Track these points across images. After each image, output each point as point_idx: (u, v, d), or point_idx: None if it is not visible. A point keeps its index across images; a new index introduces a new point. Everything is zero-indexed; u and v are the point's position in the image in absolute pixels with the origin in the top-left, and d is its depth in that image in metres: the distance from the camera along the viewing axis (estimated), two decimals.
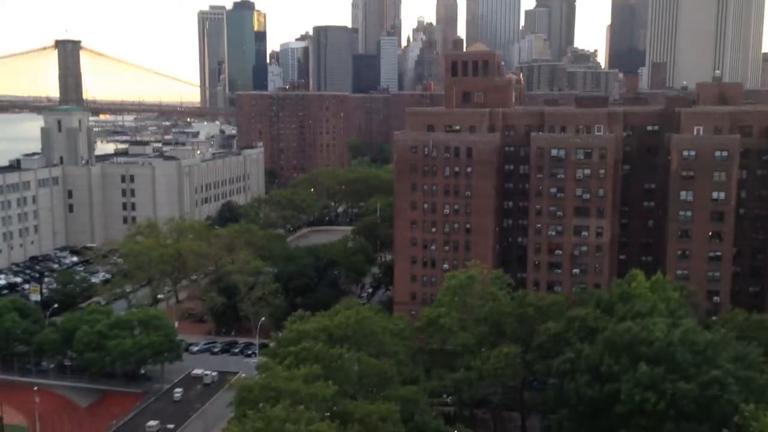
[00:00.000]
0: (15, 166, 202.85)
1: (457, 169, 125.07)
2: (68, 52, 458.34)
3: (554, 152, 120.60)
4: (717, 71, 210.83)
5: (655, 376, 64.79)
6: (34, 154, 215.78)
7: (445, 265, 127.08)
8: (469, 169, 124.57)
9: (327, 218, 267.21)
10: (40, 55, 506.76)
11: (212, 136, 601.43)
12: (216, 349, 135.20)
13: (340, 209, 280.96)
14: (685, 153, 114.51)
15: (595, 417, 69.66)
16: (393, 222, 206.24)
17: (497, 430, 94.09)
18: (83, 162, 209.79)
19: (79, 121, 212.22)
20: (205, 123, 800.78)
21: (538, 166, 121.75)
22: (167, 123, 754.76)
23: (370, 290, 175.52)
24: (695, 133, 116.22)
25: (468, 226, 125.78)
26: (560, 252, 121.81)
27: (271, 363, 76.53)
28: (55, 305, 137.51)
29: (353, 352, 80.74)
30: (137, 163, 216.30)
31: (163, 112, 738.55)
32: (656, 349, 67.24)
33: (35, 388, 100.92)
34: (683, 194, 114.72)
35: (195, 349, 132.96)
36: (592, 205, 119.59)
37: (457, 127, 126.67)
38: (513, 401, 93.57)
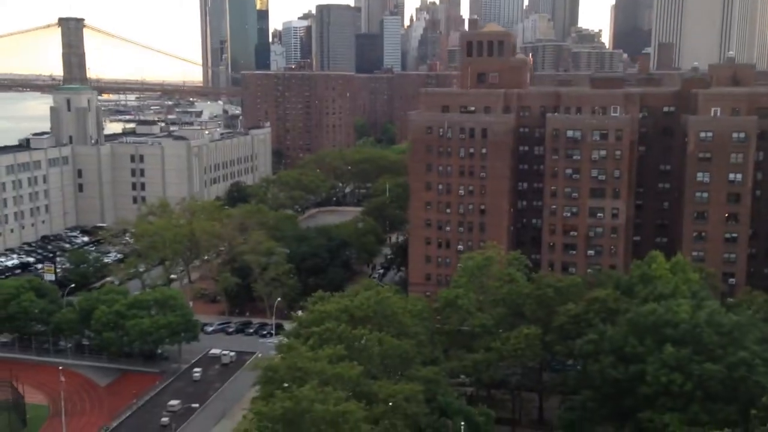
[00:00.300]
0: (25, 145, 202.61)
1: (472, 150, 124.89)
2: (71, 30, 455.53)
3: (570, 133, 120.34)
4: (730, 52, 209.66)
5: (682, 357, 65.22)
6: (43, 133, 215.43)
7: (460, 246, 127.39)
8: (484, 150, 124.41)
9: (334, 199, 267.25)
10: (44, 33, 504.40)
11: (216, 116, 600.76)
12: (230, 330, 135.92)
13: (347, 190, 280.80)
14: (702, 134, 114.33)
15: (620, 398, 70.19)
16: (402, 203, 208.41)
17: (516, 410, 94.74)
18: (92, 141, 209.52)
19: (88, 101, 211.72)
20: (208, 102, 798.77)
21: (553, 148, 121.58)
22: (170, 102, 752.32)
23: (381, 271, 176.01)
24: (712, 114, 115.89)
25: (483, 207, 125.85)
26: (575, 233, 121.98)
27: (296, 343, 76.92)
28: (72, 285, 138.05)
29: (376, 333, 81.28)
30: (147, 142, 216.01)
31: (166, 91, 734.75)
32: (682, 330, 67.60)
33: (60, 368, 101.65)
34: (700, 176, 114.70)
35: (209, 329, 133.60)
36: (608, 186, 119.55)
37: (472, 108, 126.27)
38: (532, 382, 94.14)
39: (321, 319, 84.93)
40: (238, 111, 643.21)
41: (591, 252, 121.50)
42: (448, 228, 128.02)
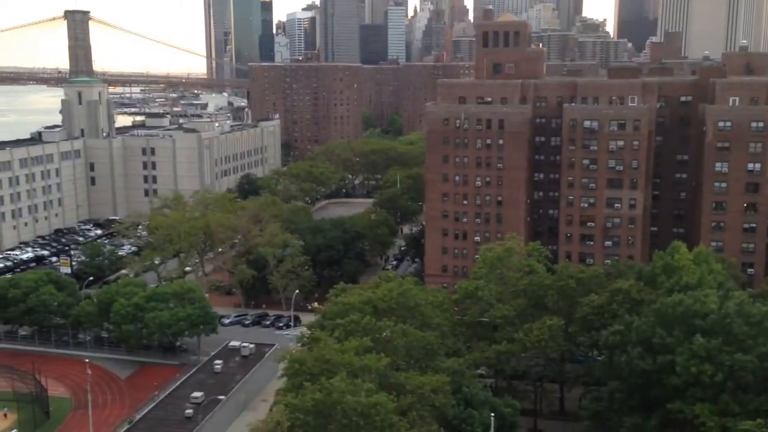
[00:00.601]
0: (37, 138, 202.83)
1: (488, 141, 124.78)
2: (77, 22, 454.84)
3: (587, 124, 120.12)
4: (743, 41, 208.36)
5: (712, 348, 65.23)
6: (55, 126, 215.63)
7: (477, 238, 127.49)
8: (501, 141, 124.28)
9: (344, 190, 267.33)
10: (49, 26, 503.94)
11: (221, 108, 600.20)
12: (247, 322, 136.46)
13: (357, 181, 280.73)
14: (721, 124, 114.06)
15: (647, 388, 70.27)
16: (413, 194, 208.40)
17: (538, 401, 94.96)
18: (104, 134, 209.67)
19: (99, 93, 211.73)
20: (213, 95, 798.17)
21: (570, 138, 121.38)
22: (174, 95, 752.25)
23: (394, 263, 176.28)
24: (731, 104, 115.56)
25: (499, 198, 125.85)
26: (592, 224, 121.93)
27: (323, 335, 77.10)
28: (91, 278, 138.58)
29: (400, 325, 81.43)
30: (158, 135, 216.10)
31: (171, 83, 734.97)
32: (711, 321, 67.56)
33: (86, 361, 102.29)
34: (718, 165, 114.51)
35: (226, 321, 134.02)
36: (625, 176, 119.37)
37: (489, 99, 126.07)
38: (553, 373, 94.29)
39: (345, 311, 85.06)
40: (243, 103, 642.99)
41: (608, 243, 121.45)
42: (464, 219, 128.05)
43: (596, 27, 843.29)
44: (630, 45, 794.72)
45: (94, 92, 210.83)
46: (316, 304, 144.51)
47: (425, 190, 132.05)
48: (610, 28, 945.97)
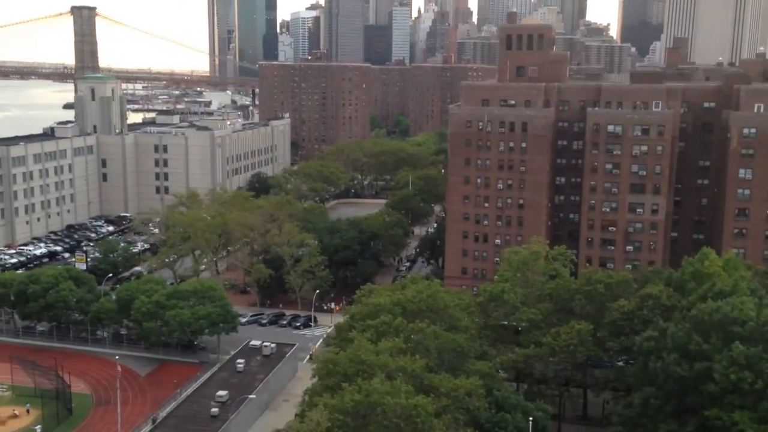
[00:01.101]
0: (49, 134, 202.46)
1: (511, 143, 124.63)
2: (84, 18, 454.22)
3: (611, 128, 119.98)
4: (761, 48, 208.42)
5: (752, 355, 65.11)
6: (67, 122, 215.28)
7: (497, 241, 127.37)
8: (523, 144, 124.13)
9: (352, 191, 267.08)
10: (55, 22, 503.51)
11: (225, 106, 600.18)
12: (264, 321, 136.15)
13: (366, 182, 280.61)
14: (746, 131, 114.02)
15: (684, 395, 70.12)
16: (425, 195, 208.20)
17: (562, 405, 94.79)
18: (116, 131, 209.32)
19: (112, 90, 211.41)
20: (216, 92, 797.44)
21: (593, 142, 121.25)
22: (177, 92, 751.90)
23: (407, 264, 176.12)
24: (755, 110, 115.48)
25: (521, 201, 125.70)
26: (614, 229, 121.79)
27: (358, 336, 76.84)
28: (110, 275, 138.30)
29: (432, 327, 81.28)
30: (170, 132, 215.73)
31: (174, 80, 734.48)
32: (750, 328, 67.48)
33: (116, 357, 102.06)
34: (742, 172, 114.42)
35: (243, 320, 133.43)
36: (648, 182, 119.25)
37: (512, 102, 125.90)
38: (579, 377, 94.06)
39: (375, 312, 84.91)
40: (247, 101, 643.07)
41: (629, 248, 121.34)
42: (485, 222, 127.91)
43: (600, 31, 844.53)
44: (633, 50, 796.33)
45: (107, 89, 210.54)
46: (332, 305, 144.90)
47: (447, 192, 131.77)
48: (614, 32, 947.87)
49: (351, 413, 65.06)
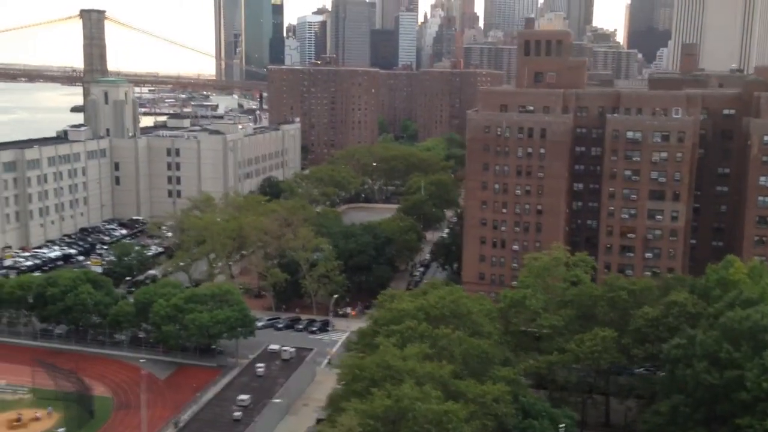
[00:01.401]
0: (63, 137, 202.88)
1: (530, 149, 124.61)
2: (93, 21, 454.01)
3: (630, 134, 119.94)
4: None
5: None
6: (80, 125, 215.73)
7: (515, 246, 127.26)
8: (542, 150, 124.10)
9: (363, 195, 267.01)
10: (63, 25, 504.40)
11: (231, 110, 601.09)
12: (280, 325, 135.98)
13: (376, 186, 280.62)
14: (767, 138, 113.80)
15: (714, 403, 69.90)
16: (437, 201, 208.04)
17: (585, 412, 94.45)
18: (129, 134, 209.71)
19: (125, 94, 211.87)
20: (223, 96, 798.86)
21: (612, 149, 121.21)
22: (183, 96, 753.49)
23: (421, 269, 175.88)
24: None
25: (539, 207, 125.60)
26: (633, 235, 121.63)
27: (384, 341, 76.72)
28: (128, 278, 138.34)
29: (458, 332, 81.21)
30: (183, 136, 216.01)
31: (181, 84, 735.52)
32: None
33: (141, 361, 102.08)
34: (763, 179, 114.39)
35: (259, 324, 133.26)
36: (668, 188, 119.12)
37: (531, 108, 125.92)
38: (603, 385, 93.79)
39: (400, 317, 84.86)
40: (254, 105, 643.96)
41: (648, 254, 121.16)
42: (503, 227, 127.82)
43: (607, 37, 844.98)
44: (640, 56, 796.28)
45: (120, 92, 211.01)
46: (348, 309, 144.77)
47: (464, 197, 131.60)
48: (620, 38, 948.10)
49: (381, 418, 64.95)
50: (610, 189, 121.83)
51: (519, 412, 76.97)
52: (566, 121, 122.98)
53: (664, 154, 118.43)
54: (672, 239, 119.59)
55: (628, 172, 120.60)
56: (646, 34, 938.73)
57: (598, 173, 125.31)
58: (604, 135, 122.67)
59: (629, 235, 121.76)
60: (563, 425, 72.77)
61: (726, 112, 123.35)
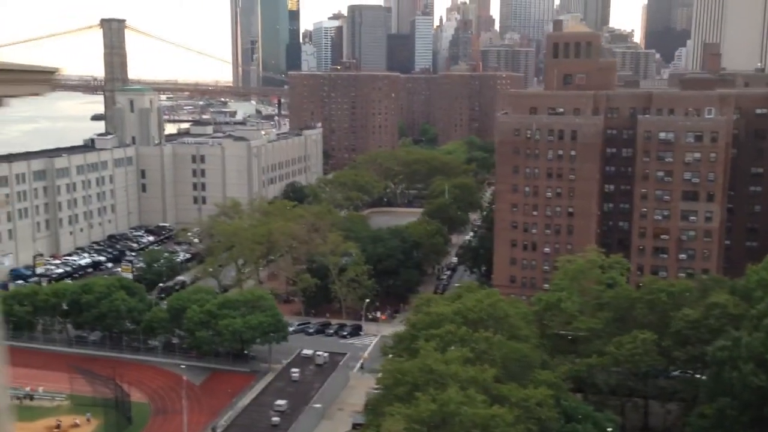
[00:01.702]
0: (90, 145, 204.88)
1: (560, 152, 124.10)
2: (113, 30, 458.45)
3: (663, 135, 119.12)
4: None
5: None
6: (106, 133, 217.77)
7: (546, 249, 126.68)
8: (572, 152, 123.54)
9: (385, 199, 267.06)
10: (83, 35, 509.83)
11: (249, 116, 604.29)
12: (311, 330, 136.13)
13: (398, 191, 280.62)
14: None
15: (762, 405, 69.06)
16: (461, 204, 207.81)
17: (624, 416, 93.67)
18: (155, 142, 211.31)
19: (150, 102, 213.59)
20: (240, 102, 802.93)
21: (644, 150, 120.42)
22: (201, 102, 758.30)
23: (448, 272, 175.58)
24: None
25: (570, 209, 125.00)
26: (666, 237, 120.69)
27: (426, 345, 76.52)
28: (160, 284, 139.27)
29: (498, 336, 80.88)
30: (207, 143, 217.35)
31: (199, 91, 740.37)
32: None
33: (181, 366, 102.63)
34: None
35: (290, 329, 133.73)
36: (702, 189, 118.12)
37: (561, 110, 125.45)
38: (643, 387, 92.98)
39: (438, 321, 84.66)
40: (272, 111, 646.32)
41: (682, 256, 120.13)
42: (534, 230, 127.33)
43: (624, 37, 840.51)
44: (658, 56, 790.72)
45: (145, 100, 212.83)
46: (378, 313, 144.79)
47: (495, 201, 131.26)
48: (637, 38, 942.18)
49: (427, 423, 64.80)
50: (643, 190, 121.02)
51: (561, 416, 76.49)
52: (597, 123, 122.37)
53: (697, 155, 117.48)
54: (706, 240, 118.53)
55: (660, 173, 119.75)
56: (663, 34, 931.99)
57: (629, 174, 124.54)
58: (635, 136, 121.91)
59: (662, 237, 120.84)
60: (610, 429, 72.05)
61: (759, 111, 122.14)
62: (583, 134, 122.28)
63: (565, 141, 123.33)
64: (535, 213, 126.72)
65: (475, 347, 79.26)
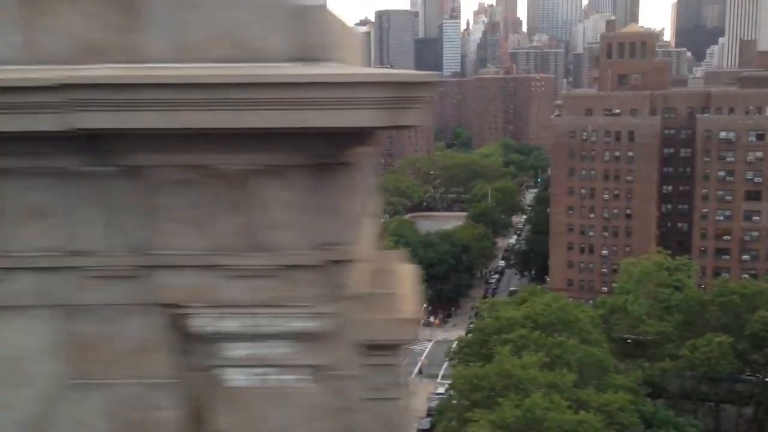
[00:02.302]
0: None
1: (617, 153, 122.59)
2: None
3: (723, 134, 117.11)
4: None
5: None
6: None
7: (604, 251, 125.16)
8: (630, 153, 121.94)
9: (424, 203, 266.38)
10: None
11: None
12: None
13: (437, 195, 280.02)
14: None
15: None
16: (503, 207, 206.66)
17: (697, 419, 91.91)
18: None
19: None
20: None
21: (704, 150, 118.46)
22: None
23: (496, 276, 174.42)
24: None
25: (628, 211, 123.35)
26: (729, 237, 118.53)
27: (502, 350, 75.77)
28: None
29: (573, 340, 79.90)
30: None
31: None
32: None
33: None
34: None
35: None
36: (765, 188, 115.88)
37: (617, 111, 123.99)
38: (715, 391, 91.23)
39: (509, 325, 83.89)
40: None
41: (746, 257, 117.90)
42: (591, 233, 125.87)
43: (655, 36, 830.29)
44: (689, 54, 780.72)
45: None
46: (431, 318, 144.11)
47: (550, 204, 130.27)
48: (667, 36, 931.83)
49: (512, 429, 64.06)
50: (703, 191, 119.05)
51: (641, 422, 75.25)
52: (654, 123, 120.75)
53: (759, 154, 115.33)
54: None
55: (721, 173, 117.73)
56: (693, 32, 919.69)
57: (688, 175, 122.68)
58: (693, 136, 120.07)
59: (725, 238, 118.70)
60: None
61: None
62: (640, 135, 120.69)
63: (622, 142, 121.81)
64: (592, 215, 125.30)
65: (549, 352, 78.39)
